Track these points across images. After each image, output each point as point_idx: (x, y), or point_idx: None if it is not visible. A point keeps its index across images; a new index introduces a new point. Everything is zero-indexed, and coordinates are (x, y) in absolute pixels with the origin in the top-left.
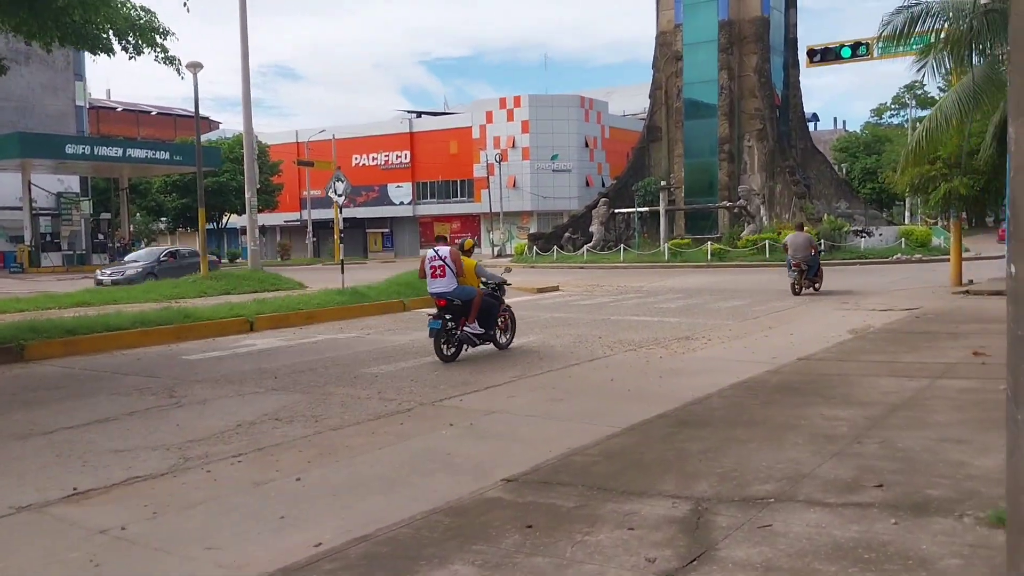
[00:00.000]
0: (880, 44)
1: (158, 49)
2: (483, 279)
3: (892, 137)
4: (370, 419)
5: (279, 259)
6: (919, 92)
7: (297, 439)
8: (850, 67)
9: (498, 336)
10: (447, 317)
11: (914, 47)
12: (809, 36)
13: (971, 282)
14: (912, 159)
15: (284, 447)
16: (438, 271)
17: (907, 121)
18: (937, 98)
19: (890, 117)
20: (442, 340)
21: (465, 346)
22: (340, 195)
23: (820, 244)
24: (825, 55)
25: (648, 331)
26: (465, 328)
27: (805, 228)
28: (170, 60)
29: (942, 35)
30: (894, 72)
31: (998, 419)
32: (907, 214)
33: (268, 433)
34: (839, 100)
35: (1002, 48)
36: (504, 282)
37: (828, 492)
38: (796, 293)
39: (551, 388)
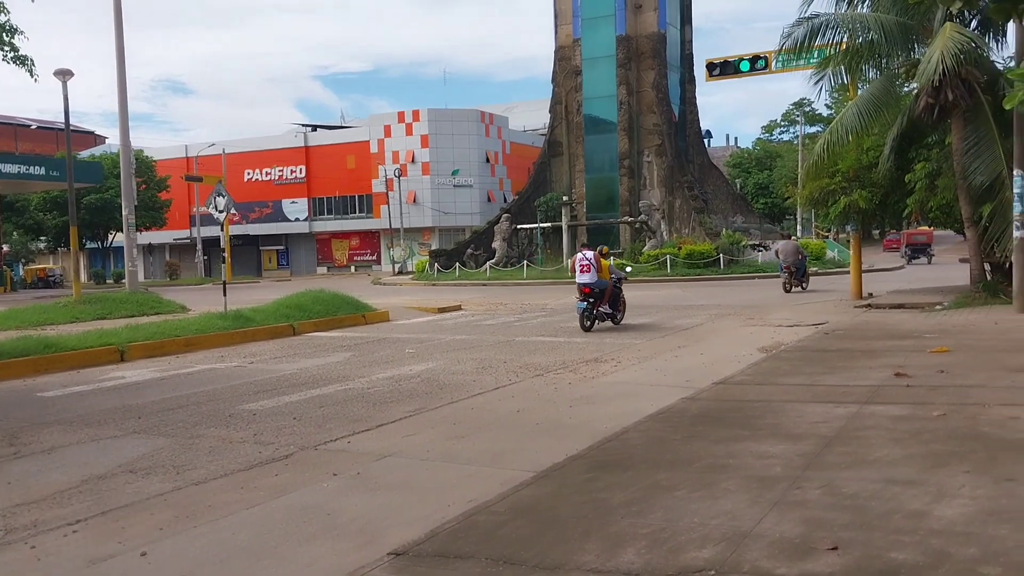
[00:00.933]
0: (781, 57)
1: (6, 47)
2: (613, 275)
3: (783, 153)
4: (241, 469)
5: (168, 279)
6: (807, 109)
7: (152, 497)
8: (739, 86)
9: (617, 316)
10: (590, 300)
11: (812, 61)
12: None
13: (871, 295)
14: (813, 172)
15: (135, 509)
16: (585, 268)
17: (796, 138)
18: (824, 115)
19: (780, 134)
20: (585, 316)
21: (596, 322)
22: (221, 211)
23: (719, 257)
24: (724, 69)
25: (555, 353)
26: (600, 308)
27: (792, 237)
28: (20, 60)
29: (841, 47)
30: (783, 91)
31: (942, 453)
32: (799, 228)
33: (119, 490)
34: (730, 118)
35: (898, 61)
36: (625, 277)
37: (777, 558)
38: (787, 291)
39: (452, 423)
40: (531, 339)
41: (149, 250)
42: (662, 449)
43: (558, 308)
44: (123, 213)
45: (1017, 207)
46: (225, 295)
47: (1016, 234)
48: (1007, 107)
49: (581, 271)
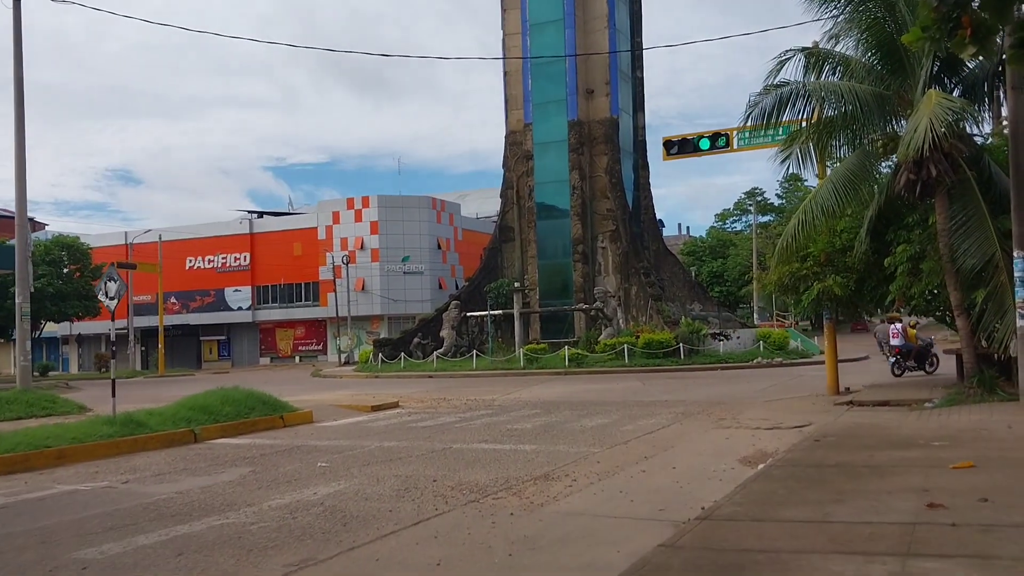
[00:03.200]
0: (744, 134)
1: None
2: (921, 341)
3: (736, 241)
4: None
5: (99, 371)
6: (759, 199)
7: None
8: (686, 182)
9: (927, 367)
10: (898, 357)
11: (776, 138)
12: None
13: (848, 389)
14: (785, 255)
15: None
16: (895, 334)
17: (748, 227)
18: (776, 204)
19: (732, 223)
20: (896, 366)
21: (905, 372)
22: (112, 297)
23: (679, 347)
24: (683, 147)
25: (498, 466)
26: (907, 363)
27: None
28: None
29: (813, 119)
30: (732, 185)
31: None
32: (755, 316)
33: None
34: (679, 209)
35: (874, 135)
36: (931, 344)
37: None
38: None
39: None
40: (471, 446)
41: (80, 340)
42: None
43: (507, 405)
44: (17, 300)
45: (1020, 292)
46: (114, 395)
47: (1020, 323)
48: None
49: (893, 336)
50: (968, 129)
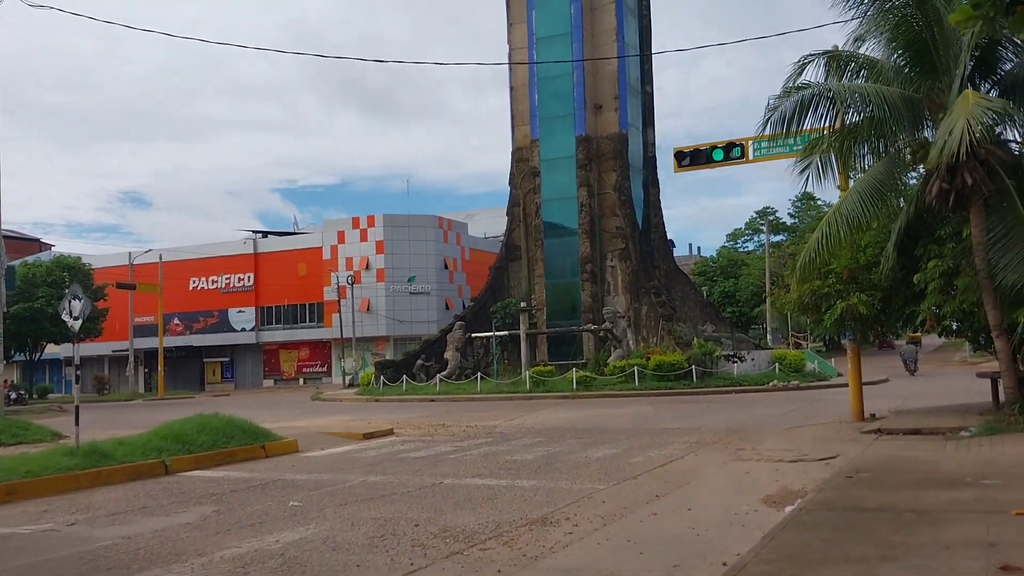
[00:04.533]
0: (760, 145)
1: None
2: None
3: (748, 261)
4: None
5: (97, 394)
6: (771, 218)
7: None
8: (695, 202)
9: None
10: None
11: (794, 148)
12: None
13: (874, 416)
14: (807, 272)
15: None
16: None
17: (760, 247)
18: (788, 224)
19: (744, 243)
20: None
21: None
22: (76, 316)
23: (692, 369)
24: (695, 158)
25: (491, 507)
26: None
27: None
28: None
29: (836, 125)
30: (743, 206)
31: None
32: (768, 337)
33: None
34: (689, 231)
35: (902, 141)
36: None
37: None
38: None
39: None
40: (464, 481)
41: (67, 362)
42: None
43: (508, 432)
44: None
45: None
46: (77, 423)
47: None
48: None
49: None
50: (1005, 135)
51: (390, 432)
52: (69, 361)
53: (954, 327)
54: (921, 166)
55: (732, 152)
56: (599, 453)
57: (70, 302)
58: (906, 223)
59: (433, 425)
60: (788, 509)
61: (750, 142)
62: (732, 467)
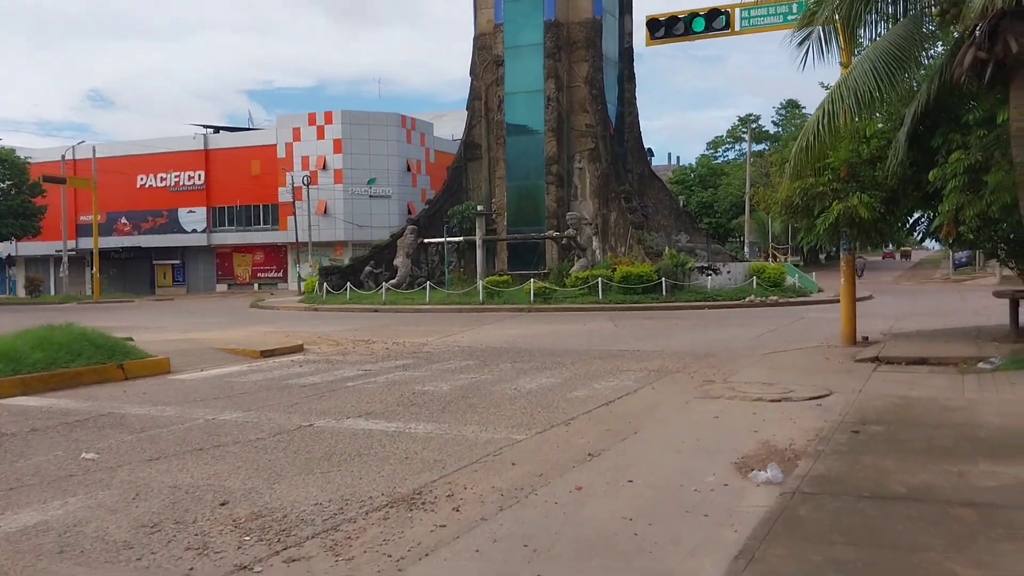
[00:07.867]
0: (748, 14)
1: None
2: None
3: (728, 171)
4: None
5: (29, 296)
6: (754, 126)
7: None
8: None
9: None
10: None
11: (789, 18)
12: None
13: (866, 340)
14: (802, 165)
15: None
16: None
17: (741, 155)
18: (772, 132)
19: (725, 152)
20: None
21: None
22: None
23: (661, 282)
24: (670, 28)
25: (351, 470)
26: None
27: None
28: None
29: None
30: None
31: None
32: (747, 250)
33: None
34: (669, 144)
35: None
36: None
37: None
38: None
39: None
40: (342, 424)
41: (10, 262)
42: None
43: (437, 352)
44: None
45: None
46: None
47: None
48: None
49: None
50: None
51: (299, 349)
52: (13, 261)
53: (971, 236)
54: (953, 28)
55: (716, 21)
56: (533, 383)
57: None
58: (924, 107)
59: (356, 341)
60: (776, 492)
61: (737, 9)
62: (697, 408)
